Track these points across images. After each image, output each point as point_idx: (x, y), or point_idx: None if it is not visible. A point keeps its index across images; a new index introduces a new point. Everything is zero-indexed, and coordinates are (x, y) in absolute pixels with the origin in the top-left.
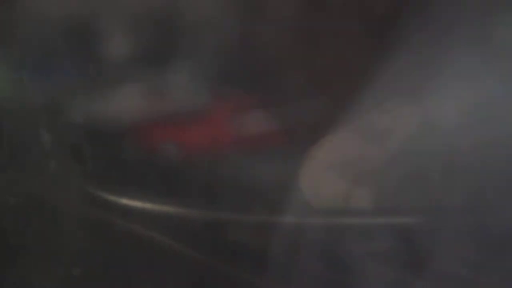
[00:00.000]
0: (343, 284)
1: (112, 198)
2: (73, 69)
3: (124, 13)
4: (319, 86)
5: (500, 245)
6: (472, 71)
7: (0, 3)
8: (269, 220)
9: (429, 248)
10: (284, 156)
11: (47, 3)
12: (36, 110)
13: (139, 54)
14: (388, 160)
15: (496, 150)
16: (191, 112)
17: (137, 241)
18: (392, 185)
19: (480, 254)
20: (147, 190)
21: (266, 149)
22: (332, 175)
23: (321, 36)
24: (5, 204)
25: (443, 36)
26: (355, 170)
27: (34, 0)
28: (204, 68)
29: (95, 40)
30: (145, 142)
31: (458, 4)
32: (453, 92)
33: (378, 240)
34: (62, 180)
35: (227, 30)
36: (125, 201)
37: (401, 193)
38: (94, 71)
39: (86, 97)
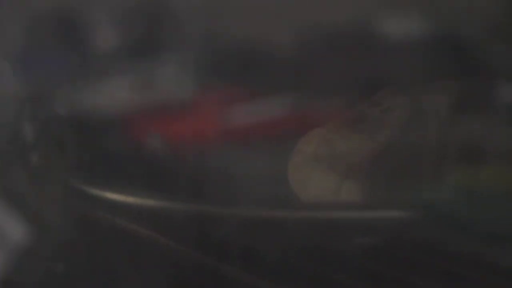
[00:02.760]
0: (330, 279)
1: (96, 191)
2: (58, 60)
3: (110, 3)
4: (308, 78)
5: None
6: None
7: None
8: (256, 214)
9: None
10: (272, 149)
11: None
12: (19, 102)
13: (125, 45)
14: (378, 153)
15: None
16: (177, 104)
17: (121, 235)
18: (382, 179)
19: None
20: (132, 183)
21: (253, 142)
22: (320, 168)
23: (309, 27)
24: None
25: None
26: (344, 163)
27: None
28: (190, 60)
29: (80, 31)
30: (131, 134)
31: None
32: None
33: (367, 234)
34: (45, 173)
35: (213, 21)
36: (109, 194)
37: (391, 186)
38: (78, 62)
39: (70, 89)
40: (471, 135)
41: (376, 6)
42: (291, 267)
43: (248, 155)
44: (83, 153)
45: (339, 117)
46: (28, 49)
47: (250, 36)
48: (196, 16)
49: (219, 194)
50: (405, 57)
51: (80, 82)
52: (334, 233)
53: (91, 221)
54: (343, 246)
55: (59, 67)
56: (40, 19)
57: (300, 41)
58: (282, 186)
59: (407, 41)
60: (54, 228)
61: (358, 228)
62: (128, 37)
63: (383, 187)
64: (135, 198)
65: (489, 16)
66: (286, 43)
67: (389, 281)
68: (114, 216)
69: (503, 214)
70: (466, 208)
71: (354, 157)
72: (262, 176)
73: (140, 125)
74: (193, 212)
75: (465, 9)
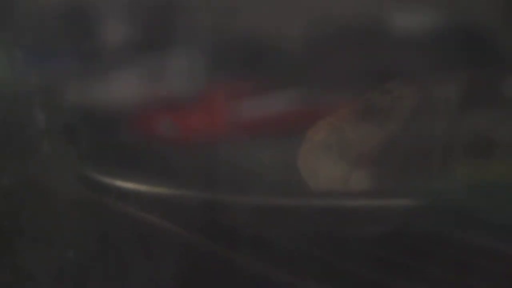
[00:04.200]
0: (340, 267)
1: (107, 180)
2: (69, 50)
3: None
4: (318, 70)
5: None
6: None
7: None
8: (266, 202)
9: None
10: (283, 138)
11: None
12: (31, 91)
13: (136, 37)
14: (387, 142)
15: None
16: (188, 94)
17: (131, 223)
18: (391, 167)
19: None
20: (143, 172)
21: (264, 133)
22: (330, 157)
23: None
24: None
25: None
26: (353, 151)
27: None
28: (200, 53)
29: (91, 22)
30: (141, 124)
31: None
32: None
33: (376, 222)
34: (56, 161)
35: (222, 14)
36: (119, 183)
37: (400, 175)
38: (90, 53)
39: (82, 78)
40: (481, 126)
41: None
42: (301, 255)
43: (259, 145)
44: (95, 142)
45: (349, 106)
46: (40, 39)
47: (259, 28)
48: (206, 9)
49: (230, 183)
50: (415, 47)
51: (92, 72)
52: (343, 221)
53: (101, 209)
54: (352, 234)
55: (71, 57)
56: (51, 9)
57: (310, 33)
58: (293, 174)
59: (417, 31)
60: (65, 216)
61: (367, 216)
62: (140, 29)
63: (393, 176)
64: (146, 186)
65: (500, 6)
66: (295, 35)
67: (398, 269)
68: (124, 204)
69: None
70: (475, 198)
71: (364, 146)
72: (273, 165)
73: (150, 115)
74: (203, 201)
75: None
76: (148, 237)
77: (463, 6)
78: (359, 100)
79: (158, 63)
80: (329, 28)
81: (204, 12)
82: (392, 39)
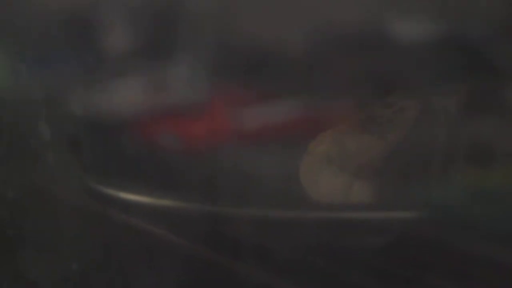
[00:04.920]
0: (341, 278)
1: (111, 191)
2: (73, 61)
3: (124, 4)
4: (321, 79)
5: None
6: None
7: None
8: (268, 213)
9: (429, 242)
10: (284, 149)
11: None
12: (35, 102)
13: (139, 46)
14: (388, 153)
15: None
16: (191, 104)
17: (135, 234)
18: (392, 178)
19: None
20: (146, 183)
21: (266, 142)
22: (332, 168)
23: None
24: (3, 196)
25: None
26: (355, 164)
27: None
28: (204, 61)
29: (95, 32)
30: (144, 134)
31: None
32: None
33: (378, 233)
34: (60, 172)
35: (226, 22)
36: (123, 194)
37: (402, 186)
38: (93, 63)
39: (86, 89)
40: (481, 135)
41: (388, 7)
42: (303, 266)
43: (261, 155)
44: (98, 153)
45: (350, 118)
46: (43, 50)
47: (263, 37)
48: (210, 17)
49: (232, 194)
50: (416, 58)
51: (96, 82)
52: (345, 232)
53: (105, 220)
54: (354, 245)
55: (75, 68)
56: (55, 20)
57: (313, 42)
58: (294, 186)
59: (418, 42)
60: (69, 227)
61: (368, 228)
62: (143, 38)
63: (394, 187)
64: (149, 197)
65: (499, 16)
66: (299, 44)
67: (399, 280)
68: (128, 215)
69: None
70: (476, 208)
71: (365, 158)
72: (275, 176)
73: (153, 125)
74: (207, 212)
75: (475, 9)
76: (152, 248)
77: (462, 16)
78: (360, 113)
79: (162, 72)
80: (332, 37)
81: (207, 20)
82: (395, 49)
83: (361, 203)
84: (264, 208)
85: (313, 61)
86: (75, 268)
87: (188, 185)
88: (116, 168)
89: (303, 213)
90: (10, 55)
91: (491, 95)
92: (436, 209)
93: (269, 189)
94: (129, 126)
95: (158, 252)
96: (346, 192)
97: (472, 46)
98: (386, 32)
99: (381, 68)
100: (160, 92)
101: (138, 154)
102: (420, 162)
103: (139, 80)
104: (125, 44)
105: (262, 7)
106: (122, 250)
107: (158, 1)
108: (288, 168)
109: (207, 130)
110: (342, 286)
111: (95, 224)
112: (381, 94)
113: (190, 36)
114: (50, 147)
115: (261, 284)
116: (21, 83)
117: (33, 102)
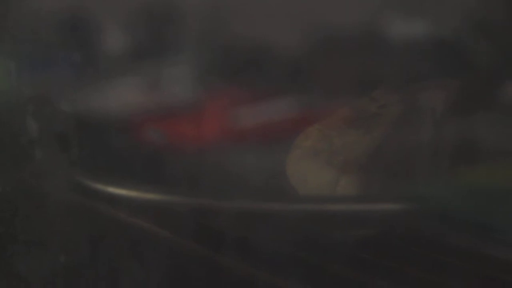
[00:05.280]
0: (328, 271)
1: (99, 185)
2: (62, 59)
3: (116, 4)
4: (311, 78)
5: None
6: None
7: None
8: (253, 207)
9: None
10: (271, 144)
11: None
12: (24, 99)
13: (129, 45)
14: (374, 148)
15: None
16: (183, 104)
17: (123, 228)
18: (378, 173)
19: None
20: (134, 178)
21: (254, 139)
22: (318, 163)
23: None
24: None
25: None
26: (341, 158)
27: None
28: (197, 60)
29: (84, 31)
30: (136, 133)
31: None
32: None
33: (362, 226)
34: (49, 168)
35: (219, 22)
36: (111, 189)
37: (387, 181)
38: (84, 62)
39: (74, 87)
40: (467, 132)
41: (376, 8)
42: (287, 257)
43: (247, 150)
44: (87, 149)
45: (337, 113)
46: (33, 48)
47: (255, 37)
48: (203, 17)
49: (218, 188)
50: (402, 56)
51: (85, 81)
52: (329, 225)
53: (93, 215)
54: (338, 237)
55: (64, 66)
56: (47, 18)
57: (303, 41)
58: (280, 180)
59: (405, 41)
60: (57, 222)
61: (353, 220)
62: (135, 38)
63: (379, 182)
64: (136, 192)
65: (486, 16)
66: (289, 43)
67: (383, 272)
68: (115, 209)
69: (498, 209)
70: (461, 202)
71: (351, 152)
72: (261, 171)
73: (145, 124)
74: (192, 205)
75: (462, 10)
76: (140, 241)
77: (448, 15)
78: (347, 108)
79: (154, 72)
80: (321, 36)
81: (202, 20)
82: (381, 48)
83: (346, 197)
84: (249, 201)
85: (304, 61)
86: (63, 262)
87: (177, 181)
88: (104, 164)
89: (288, 206)
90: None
91: (478, 92)
92: (421, 202)
93: (255, 183)
94: (120, 124)
95: (146, 246)
96: (332, 186)
97: (456, 44)
98: (373, 30)
99: (367, 65)
100: (152, 92)
101: (131, 152)
102: (405, 157)
103: (131, 79)
104: (118, 43)
105: (255, 7)
106: (110, 244)
107: (154, 2)
108: (275, 162)
109: (199, 129)
110: (327, 277)
111: (83, 219)
112: (367, 90)
113: (183, 36)
114: (39, 143)
115: (247, 276)
116: (10, 80)
117: (21, 99)
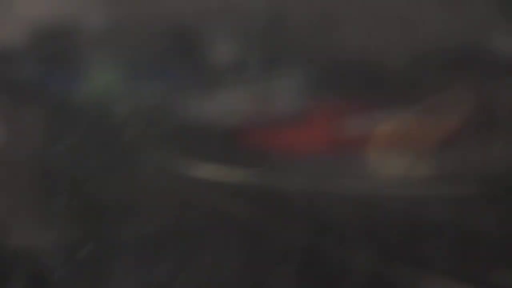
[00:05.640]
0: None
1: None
2: (177, 71)
3: (228, 16)
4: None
5: None
6: None
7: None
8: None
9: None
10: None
11: (150, 6)
12: (138, 108)
13: (239, 59)
14: (448, 138)
15: None
16: (290, 116)
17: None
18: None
19: None
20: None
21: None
22: (398, 149)
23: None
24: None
25: None
26: (418, 146)
27: (138, 4)
28: (304, 73)
29: (196, 45)
30: (245, 144)
31: None
32: None
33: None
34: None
35: (326, 34)
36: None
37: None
38: (195, 75)
39: (185, 96)
40: None
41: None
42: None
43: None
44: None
45: (415, 106)
46: (150, 61)
47: (363, 49)
48: (310, 29)
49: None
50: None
51: (197, 93)
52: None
53: (189, 204)
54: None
55: (179, 78)
56: (161, 32)
57: (413, 55)
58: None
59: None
60: (147, 193)
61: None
62: (243, 51)
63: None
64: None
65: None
66: (398, 56)
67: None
68: (211, 198)
69: None
70: None
71: (427, 141)
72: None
73: (253, 135)
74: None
75: None
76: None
77: None
78: (426, 102)
79: (262, 84)
80: (433, 50)
81: (309, 32)
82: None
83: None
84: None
85: (413, 74)
86: (150, 233)
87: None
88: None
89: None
90: (113, 66)
91: None
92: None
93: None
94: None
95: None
96: (409, 172)
97: None
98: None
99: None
100: (260, 103)
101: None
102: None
103: (241, 91)
104: (227, 56)
105: (363, 20)
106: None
107: (263, 15)
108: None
109: (306, 141)
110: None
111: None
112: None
113: (291, 49)
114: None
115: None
116: (130, 92)
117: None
